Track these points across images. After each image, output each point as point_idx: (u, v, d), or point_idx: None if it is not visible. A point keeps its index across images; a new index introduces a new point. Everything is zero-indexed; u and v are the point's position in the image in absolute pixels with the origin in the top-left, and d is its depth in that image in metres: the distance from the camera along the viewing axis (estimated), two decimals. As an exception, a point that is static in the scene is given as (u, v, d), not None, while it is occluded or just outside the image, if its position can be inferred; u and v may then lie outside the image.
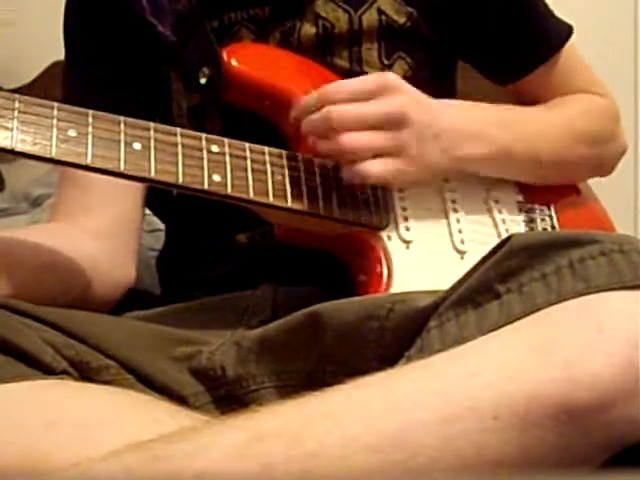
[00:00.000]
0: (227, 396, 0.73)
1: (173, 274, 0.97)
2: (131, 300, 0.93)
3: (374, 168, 0.81)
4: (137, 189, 0.94)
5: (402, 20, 0.94)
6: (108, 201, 0.92)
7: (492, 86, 1.03)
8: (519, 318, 0.56)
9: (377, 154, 0.81)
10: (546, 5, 1.00)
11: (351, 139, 0.80)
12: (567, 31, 1.01)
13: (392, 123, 0.81)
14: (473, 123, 0.87)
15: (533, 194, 0.95)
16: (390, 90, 0.81)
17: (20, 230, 0.89)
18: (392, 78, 0.83)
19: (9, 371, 0.65)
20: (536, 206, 0.94)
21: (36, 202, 1.74)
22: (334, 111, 0.80)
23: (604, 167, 1.02)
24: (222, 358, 0.73)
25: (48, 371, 0.68)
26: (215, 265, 0.93)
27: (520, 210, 0.93)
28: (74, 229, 0.90)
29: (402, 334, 0.63)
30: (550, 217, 0.94)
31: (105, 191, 0.91)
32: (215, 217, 0.92)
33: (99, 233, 0.91)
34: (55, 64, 1.85)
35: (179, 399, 0.71)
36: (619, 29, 1.95)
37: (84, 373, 0.70)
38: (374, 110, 0.81)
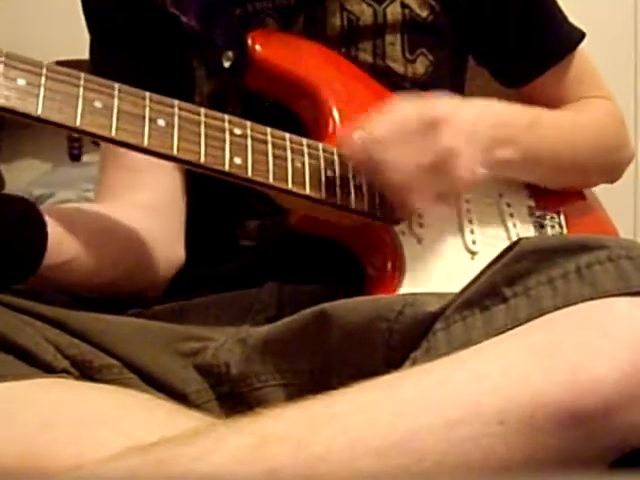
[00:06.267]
0: (230, 393, 0.72)
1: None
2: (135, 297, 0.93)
3: (417, 204, 0.81)
4: (180, 172, 0.94)
5: (425, 14, 0.95)
6: (155, 181, 0.92)
7: (497, 89, 1.02)
8: (525, 322, 0.56)
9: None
10: (560, 10, 1.02)
11: (403, 187, 0.79)
12: (579, 36, 1.02)
13: (441, 163, 0.79)
14: (506, 127, 0.87)
15: (544, 200, 0.96)
16: (434, 127, 0.79)
17: (70, 205, 0.89)
18: (434, 114, 0.80)
19: (8, 369, 0.64)
20: (546, 212, 0.95)
21: (36, 202, 1.73)
22: (385, 157, 0.78)
23: (615, 173, 1.03)
24: (227, 355, 0.73)
25: (48, 370, 0.67)
26: (221, 262, 0.93)
27: (531, 215, 0.94)
28: (126, 205, 0.90)
29: (410, 337, 0.63)
30: (559, 224, 0.95)
31: (151, 171, 0.91)
32: (224, 204, 0.92)
33: (151, 208, 0.91)
34: (57, 63, 1.85)
35: (181, 397, 0.71)
36: (619, 31, 1.95)
37: (86, 372, 0.70)
38: (426, 159, 0.79)
